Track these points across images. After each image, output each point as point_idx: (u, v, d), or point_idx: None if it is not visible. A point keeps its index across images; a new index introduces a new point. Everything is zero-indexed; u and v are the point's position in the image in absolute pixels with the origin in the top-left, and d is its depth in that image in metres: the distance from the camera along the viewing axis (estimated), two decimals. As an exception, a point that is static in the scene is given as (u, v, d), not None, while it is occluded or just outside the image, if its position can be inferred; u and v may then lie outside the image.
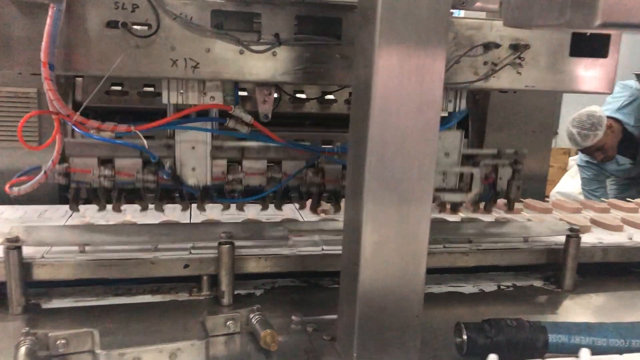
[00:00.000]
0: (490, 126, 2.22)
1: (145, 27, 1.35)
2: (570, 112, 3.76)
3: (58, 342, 1.12)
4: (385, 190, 1.03)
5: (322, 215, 1.71)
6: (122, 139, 1.44)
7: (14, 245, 1.28)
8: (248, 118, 1.47)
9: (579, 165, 4.24)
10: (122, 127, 1.41)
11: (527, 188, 2.30)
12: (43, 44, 1.26)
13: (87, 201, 1.62)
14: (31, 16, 1.31)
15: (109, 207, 1.54)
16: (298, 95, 2.12)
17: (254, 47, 1.39)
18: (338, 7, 1.46)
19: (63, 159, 1.51)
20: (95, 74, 1.38)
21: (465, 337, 1.17)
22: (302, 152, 1.56)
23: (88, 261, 1.35)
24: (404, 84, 1.00)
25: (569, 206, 2.03)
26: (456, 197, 1.62)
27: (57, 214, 1.72)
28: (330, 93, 2.20)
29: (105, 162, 1.48)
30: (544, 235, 1.63)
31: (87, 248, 1.38)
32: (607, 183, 4.15)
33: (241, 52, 1.41)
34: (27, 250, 1.31)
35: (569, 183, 5.31)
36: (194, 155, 1.48)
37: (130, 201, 1.55)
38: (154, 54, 1.38)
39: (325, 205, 1.71)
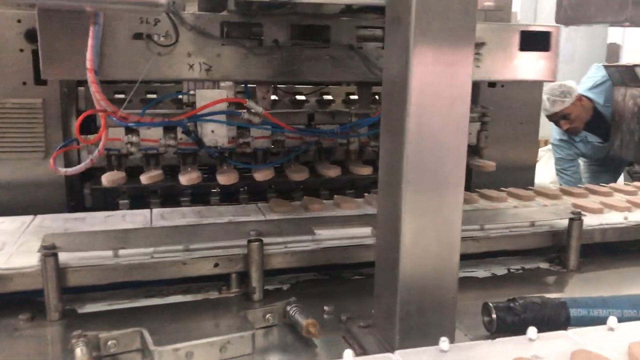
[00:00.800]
0: (481, 119, 2.32)
1: (165, 38, 1.55)
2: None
3: (109, 342, 1.15)
4: (421, 181, 1.10)
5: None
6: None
7: (51, 252, 1.30)
8: (260, 109, 1.67)
9: (552, 144, 4.42)
10: (158, 119, 1.65)
11: (515, 178, 2.43)
12: (87, 54, 1.44)
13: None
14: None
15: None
16: (297, 97, 2.21)
17: (256, 52, 1.62)
18: (326, 16, 1.71)
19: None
20: (123, 78, 1.63)
21: (494, 316, 1.25)
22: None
23: (122, 265, 1.38)
24: (437, 81, 1.08)
25: (550, 193, 2.12)
26: None
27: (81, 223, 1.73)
28: (327, 93, 2.28)
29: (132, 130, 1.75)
30: (549, 220, 1.72)
31: (119, 252, 1.41)
32: (580, 162, 4.36)
33: (246, 56, 1.62)
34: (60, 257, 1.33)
35: (541, 173, 5.50)
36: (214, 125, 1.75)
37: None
38: (174, 60, 1.57)
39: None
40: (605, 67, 3.72)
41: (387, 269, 1.18)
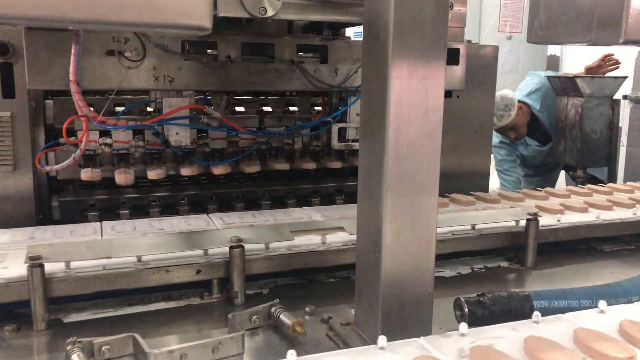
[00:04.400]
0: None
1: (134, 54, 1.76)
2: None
3: (103, 348, 1.18)
4: (400, 185, 1.19)
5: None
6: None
7: (37, 262, 1.31)
8: (217, 114, 1.92)
9: (493, 146, 4.61)
10: (132, 123, 1.85)
11: (471, 184, 2.57)
12: (71, 67, 1.57)
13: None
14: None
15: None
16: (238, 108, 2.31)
17: (212, 65, 1.84)
18: (271, 35, 2.02)
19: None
20: (98, 89, 1.84)
21: (466, 309, 1.34)
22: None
23: (106, 274, 1.41)
24: (413, 93, 1.17)
25: (490, 198, 2.25)
26: None
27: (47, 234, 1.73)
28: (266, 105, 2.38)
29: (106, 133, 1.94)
30: (508, 221, 1.85)
31: (102, 262, 1.43)
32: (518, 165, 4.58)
33: (203, 69, 1.84)
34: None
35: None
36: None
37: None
38: (141, 73, 1.78)
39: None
40: (548, 77, 3.94)
41: (368, 269, 1.26)
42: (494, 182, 5.34)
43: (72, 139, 1.92)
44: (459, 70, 2.23)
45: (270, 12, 1.45)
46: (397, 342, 1.10)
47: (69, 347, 1.14)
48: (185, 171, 2.06)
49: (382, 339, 1.08)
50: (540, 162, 4.31)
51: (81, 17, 0.70)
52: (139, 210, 2.16)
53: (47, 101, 2.03)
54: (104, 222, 1.85)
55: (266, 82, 1.97)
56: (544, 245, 1.87)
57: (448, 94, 2.43)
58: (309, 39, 2.04)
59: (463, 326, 1.13)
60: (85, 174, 1.95)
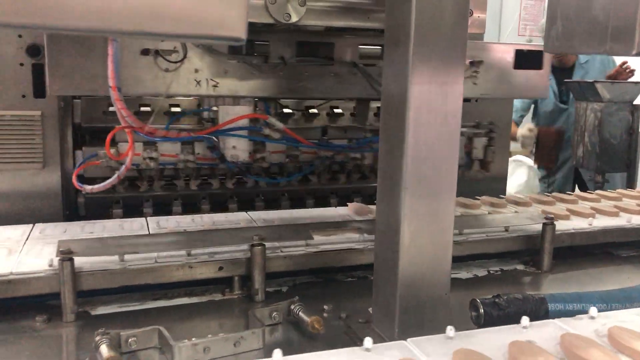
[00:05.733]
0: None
1: (173, 54, 1.58)
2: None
3: (130, 339, 1.23)
4: (419, 187, 1.22)
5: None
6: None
7: (68, 257, 1.37)
8: (280, 125, 1.72)
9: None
10: (183, 134, 1.68)
11: (489, 187, 2.59)
12: (109, 71, 1.45)
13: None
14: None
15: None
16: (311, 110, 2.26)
17: (263, 68, 1.64)
18: (330, 34, 1.76)
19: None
20: (130, 94, 1.61)
21: (482, 310, 1.37)
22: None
23: (131, 269, 1.46)
24: (432, 98, 1.20)
25: (521, 201, 2.28)
26: None
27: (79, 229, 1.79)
28: (337, 107, 2.32)
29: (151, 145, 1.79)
30: (524, 225, 1.87)
31: (125, 257, 1.48)
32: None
33: (252, 73, 1.64)
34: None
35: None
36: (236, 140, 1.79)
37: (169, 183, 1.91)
38: (181, 76, 1.60)
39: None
40: (567, 82, 3.94)
41: (386, 269, 1.29)
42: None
43: (113, 151, 1.75)
44: (541, 75, 1.98)
45: (294, 18, 1.47)
46: (384, 344, 1.12)
47: (97, 338, 1.19)
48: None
49: (368, 341, 1.08)
50: (548, 121, 4.29)
51: (120, 28, 0.69)
52: (162, 208, 2.21)
53: (75, 100, 2.09)
54: (149, 218, 1.91)
55: (324, 89, 1.79)
56: (560, 249, 1.89)
57: (466, 98, 2.45)
58: (374, 37, 1.82)
59: (450, 329, 1.14)
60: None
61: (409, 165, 1.20)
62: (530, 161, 5.95)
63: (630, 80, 3.83)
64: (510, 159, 6.04)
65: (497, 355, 1.07)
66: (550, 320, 1.23)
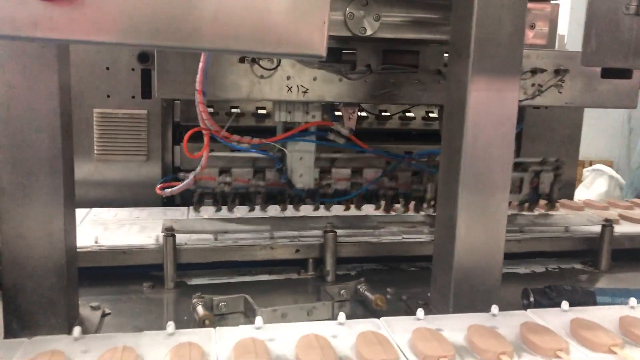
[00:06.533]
0: (526, 138, 2.57)
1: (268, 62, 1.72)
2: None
3: (220, 304, 1.45)
4: (475, 185, 1.37)
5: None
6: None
7: (170, 233, 1.62)
8: (346, 132, 1.83)
9: None
10: (256, 140, 1.78)
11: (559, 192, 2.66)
12: (198, 76, 1.62)
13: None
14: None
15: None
16: (383, 113, 2.41)
17: (350, 76, 1.75)
18: (416, 43, 1.82)
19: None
20: (227, 98, 1.78)
21: (532, 299, 1.50)
22: (382, 158, 1.91)
23: (223, 246, 1.70)
24: (489, 104, 1.35)
25: (598, 205, 2.36)
26: (510, 198, 1.96)
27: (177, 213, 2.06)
28: (409, 111, 2.45)
29: (224, 171, 1.84)
30: (583, 225, 1.96)
31: (218, 237, 1.72)
32: None
33: (340, 80, 1.76)
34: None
35: (584, 193, 5.65)
36: (302, 164, 1.85)
37: (242, 203, 1.92)
38: (274, 82, 1.75)
39: (396, 207, 2.05)
40: None
41: (444, 256, 1.45)
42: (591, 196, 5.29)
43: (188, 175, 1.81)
44: (630, 84, 1.93)
45: (369, 32, 1.65)
46: (358, 320, 1.28)
47: (194, 301, 1.42)
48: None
49: (341, 316, 1.24)
50: None
51: (202, 46, 0.83)
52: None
53: (175, 101, 2.37)
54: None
55: (408, 95, 1.84)
56: (621, 251, 1.96)
57: (537, 105, 2.52)
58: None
59: (420, 312, 1.28)
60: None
61: (467, 164, 1.36)
62: (611, 171, 5.84)
63: None
64: (590, 168, 5.97)
65: (456, 336, 1.20)
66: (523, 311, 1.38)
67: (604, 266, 1.90)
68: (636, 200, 2.49)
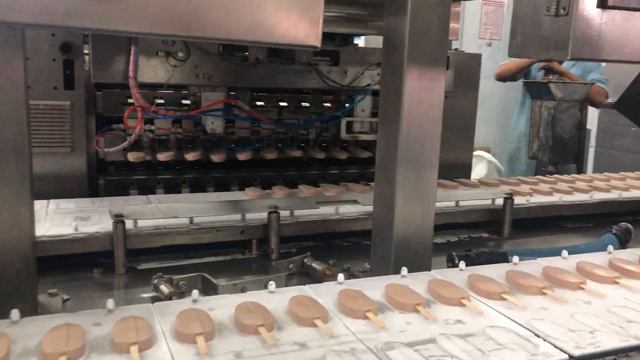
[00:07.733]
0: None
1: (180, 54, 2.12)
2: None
3: (180, 282, 1.53)
4: (410, 162, 1.56)
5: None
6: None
7: (120, 219, 1.66)
8: (247, 107, 2.32)
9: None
10: (178, 113, 2.26)
11: (455, 174, 2.96)
12: (130, 65, 1.95)
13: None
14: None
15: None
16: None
17: (243, 66, 2.21)
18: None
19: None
20: (149, 82, 2.15)
21: (456, 261, 1.72)
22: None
23: (170, 231, 1.76)
24: (421, 91, 1.54)
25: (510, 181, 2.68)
26: None
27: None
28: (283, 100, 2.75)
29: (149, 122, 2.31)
30: (489, 198, 2.24)
31: (163, 222, 1.78)
32: None
33: (235, 69, 2.22)
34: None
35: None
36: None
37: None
38: (185, 70, 2.15)
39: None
40: (525, 82, 4.36)
41: (383, 228, 1.62)
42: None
43: (120, 125, 2.28)
44: (448, 74, 2.63)
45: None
46: (287, 287, 1.43)
47: (155, 281, 1.48)
48: (215, 158, 2.41)
49: (271, 285, 1.36)
50: None
51: (195, 34, 0.94)
52: (173, 189, 2.50)
53: (97, 93, 2.36)
54: (149, 196, 2.19)
55: (287, 81, 2.37)
56: (519, 221, 2.26)
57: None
58: (324, 45, 2.36)
59: (340, 277, 1.45)
60: (132, 156, 2.29)
61: (403, 144, 1.54)
62: (490, 156, 6.41)
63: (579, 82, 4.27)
64: (471, 154, 6.51)
65: (376, 295, 1.37)
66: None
67: (506, 233, 2.19)
68: (541, 177, 2.84)
